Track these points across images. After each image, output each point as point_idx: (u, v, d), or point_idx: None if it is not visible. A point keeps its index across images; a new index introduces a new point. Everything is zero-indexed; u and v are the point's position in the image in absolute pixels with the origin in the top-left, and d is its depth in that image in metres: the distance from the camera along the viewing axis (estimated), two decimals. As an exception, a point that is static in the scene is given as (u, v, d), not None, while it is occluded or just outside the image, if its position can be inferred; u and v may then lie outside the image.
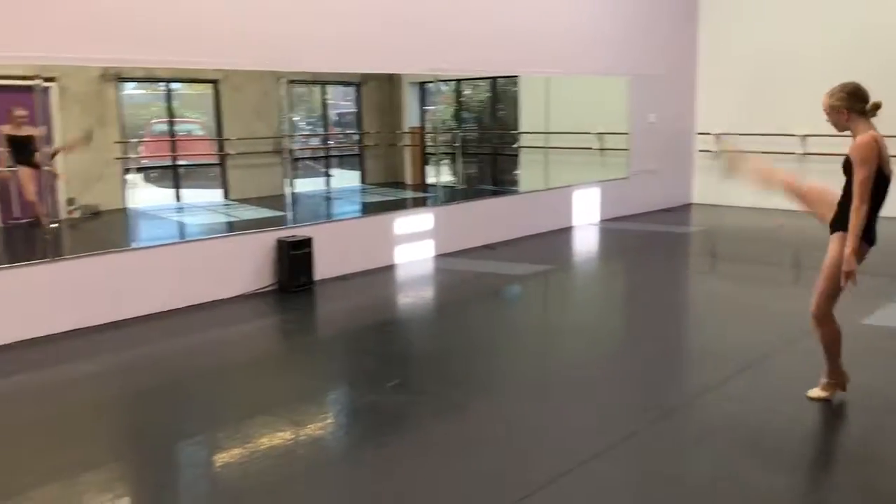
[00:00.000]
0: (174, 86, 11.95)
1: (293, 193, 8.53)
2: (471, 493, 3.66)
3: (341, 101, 14.65)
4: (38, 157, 7.62)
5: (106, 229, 9.10)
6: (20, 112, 7.75)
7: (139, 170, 11.46)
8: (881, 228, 4.31)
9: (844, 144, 4.35)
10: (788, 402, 4.68)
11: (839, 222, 4.30)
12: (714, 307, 7.11)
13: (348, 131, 14.66)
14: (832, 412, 4.59)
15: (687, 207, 12.55)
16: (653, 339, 6.17)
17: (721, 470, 3.85)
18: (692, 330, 6.65)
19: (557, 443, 4.20)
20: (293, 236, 7.58)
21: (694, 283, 8.44)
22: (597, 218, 11.22)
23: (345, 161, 14.74)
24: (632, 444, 4.13)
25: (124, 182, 10.84)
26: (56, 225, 7.15)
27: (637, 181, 11.75)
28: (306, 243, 7.56)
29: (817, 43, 11.36)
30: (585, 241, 10.39)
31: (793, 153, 11.46)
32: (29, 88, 7.77)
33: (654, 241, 10.25)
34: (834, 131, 4.43)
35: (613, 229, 10.83)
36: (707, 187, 12.68)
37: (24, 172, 7.96)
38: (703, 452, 4.10)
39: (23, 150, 7.83)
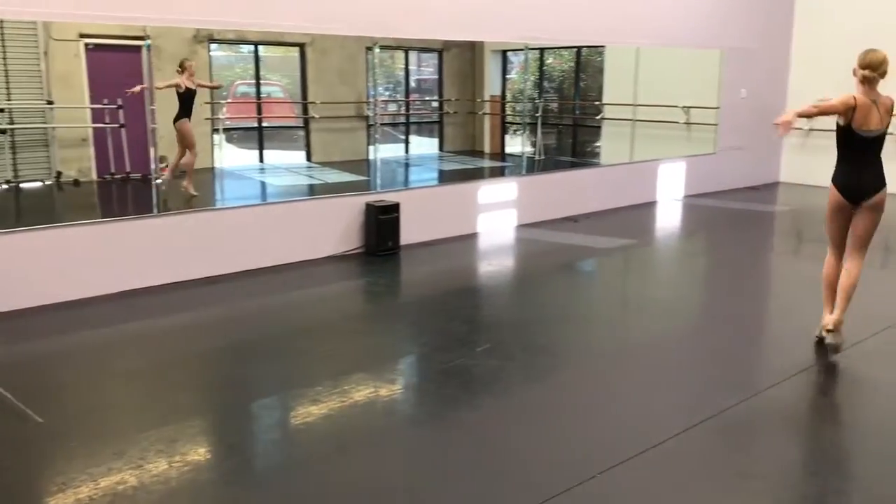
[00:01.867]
0: (261, 48, 12.15)
1: (375, 159, 8.64)
2: (561, 458, 3.72)
3: (422, 68, 14.70)
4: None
5: (196, 188, 9.36)
6: (192, 62, 7.84)
7: (226, 131, 11.73)
8: None
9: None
10: (882, 382, 4.60)
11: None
12: (799, 289, 6.95)
13: (427, 98, 14.72)
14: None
15: (774, 186, 12.25)
16: (736, 317, 6.09)
17: (815, 449, 3.82)
18: (779, 312, 6.53)
19: (646, 414, 4.21)
20: (382, 201, 7.69)
21: (778, 263, 8.27)
22: (681, 193, 11.05)
23: (423, 128, 14.83)
24: (722, 421, 4.11)
25: (213, 142, 11.14)
26: (160, 182, 7.41)
27: (724, 157, 11.50)
28: (394, 208, 7.66)
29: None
30: (669, 216, 10.25)
31: (892, 133, 11.02)
32: (130, 48, 8.04)
33: (739, 220, 10.05)
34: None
35: (698, 206, 10.65)
36: (796, 166, 12.33)
37: (188, 125, 8.21)
38: (796, 431, 4.07)
39: (191, 102, 7.97)
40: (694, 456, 3.78)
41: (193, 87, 8.10)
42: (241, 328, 5.66)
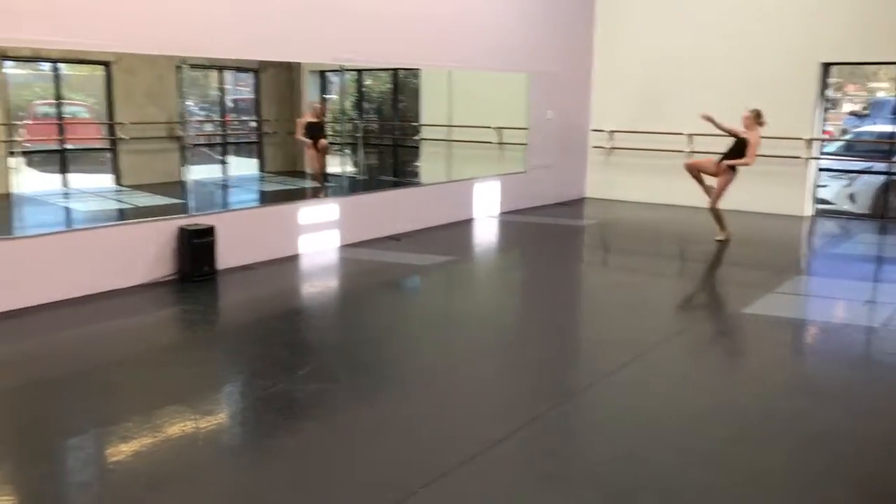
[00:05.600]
0: (62, 66, 11.45)
1: (191, 181, 8.36)
2: (385, 476, 3.78)
3: (238, 87, 14.39)
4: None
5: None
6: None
7: (24, 153, 10.94)
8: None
9: (723, 143, 9.42)
10: (679, 387, 5.03)
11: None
12: (607, 298, 7.46)
13: (245, 118, 14.42)
14: (723, 396, 4.95)
15: (581, 201, 13.01)
16: (552, 328, 6.44)
17: (620, 448, 4.12)
18: (588, 320, 6.97)
19: (467, 427, 4.37)
20: (195, 224, 7.46)
21: (589, 274, 8.82)
22: (496, 211, 11.49)
23: (242, 148, 14.48)
24: (536, 427, 4.35)
25: (7, 166, 10.36)
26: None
27: (534, 175, 12.09)
28: (209, 232, 7.46)
29: (703, 47, 11.98)
30: (486, 233, 10.64)
31: (681, 151, 12.07)
32: None
33: (551, 234, 10.61)
34: (713, 131, 9.46)
35: (512, 222, 11.13)
36: (599, 182, 13.19)
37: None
38: (603, 432, 4.36)
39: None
40: (509, 463, 3.96)
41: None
42: (43, 364, 5.29)
